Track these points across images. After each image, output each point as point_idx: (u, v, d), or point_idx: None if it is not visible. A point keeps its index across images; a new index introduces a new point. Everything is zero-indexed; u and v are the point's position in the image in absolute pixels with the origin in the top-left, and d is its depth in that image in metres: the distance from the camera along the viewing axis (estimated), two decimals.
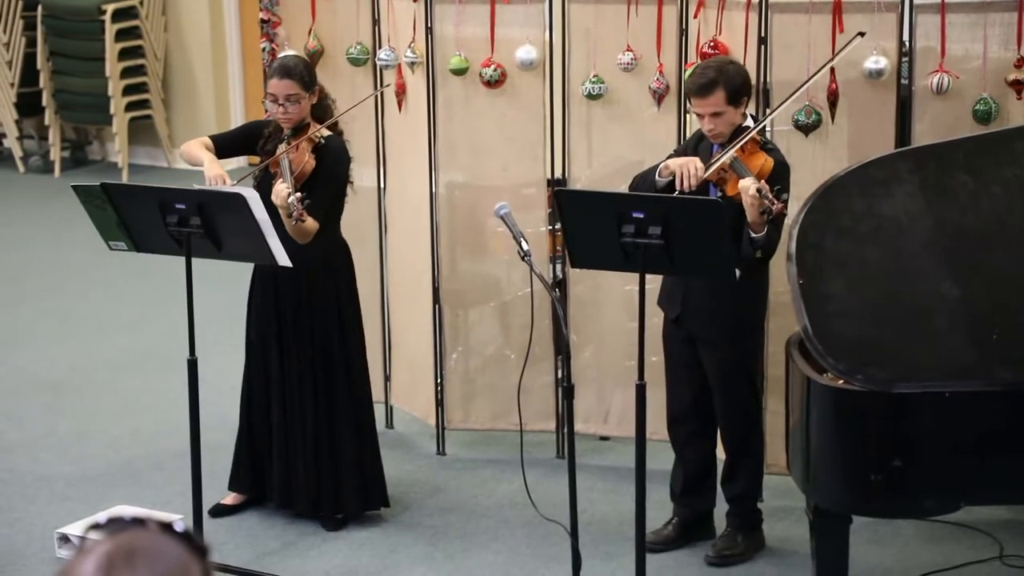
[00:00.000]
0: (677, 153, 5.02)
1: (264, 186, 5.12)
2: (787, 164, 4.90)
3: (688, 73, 5.14)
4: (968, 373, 4.29)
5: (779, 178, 4.76)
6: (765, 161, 4.77)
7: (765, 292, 5.12)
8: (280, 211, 4.96)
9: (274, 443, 5.35)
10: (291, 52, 5.59)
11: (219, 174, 5.07)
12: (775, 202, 4.57)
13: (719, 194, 4.79)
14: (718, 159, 4.77)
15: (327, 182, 5.13)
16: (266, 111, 5.33)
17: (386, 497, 5.46)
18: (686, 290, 5.00)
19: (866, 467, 4.30)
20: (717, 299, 4.95)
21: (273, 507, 5.45)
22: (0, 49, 10.38)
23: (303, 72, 5.15)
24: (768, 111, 5.13)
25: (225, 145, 5.31)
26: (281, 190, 4.96)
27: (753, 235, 4.65)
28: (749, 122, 4.89)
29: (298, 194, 4.95)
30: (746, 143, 4.79)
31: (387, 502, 5.46)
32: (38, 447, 6.11)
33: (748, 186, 4.61)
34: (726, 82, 4.78)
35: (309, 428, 5.29)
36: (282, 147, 5.09)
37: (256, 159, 5.36)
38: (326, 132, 5.18)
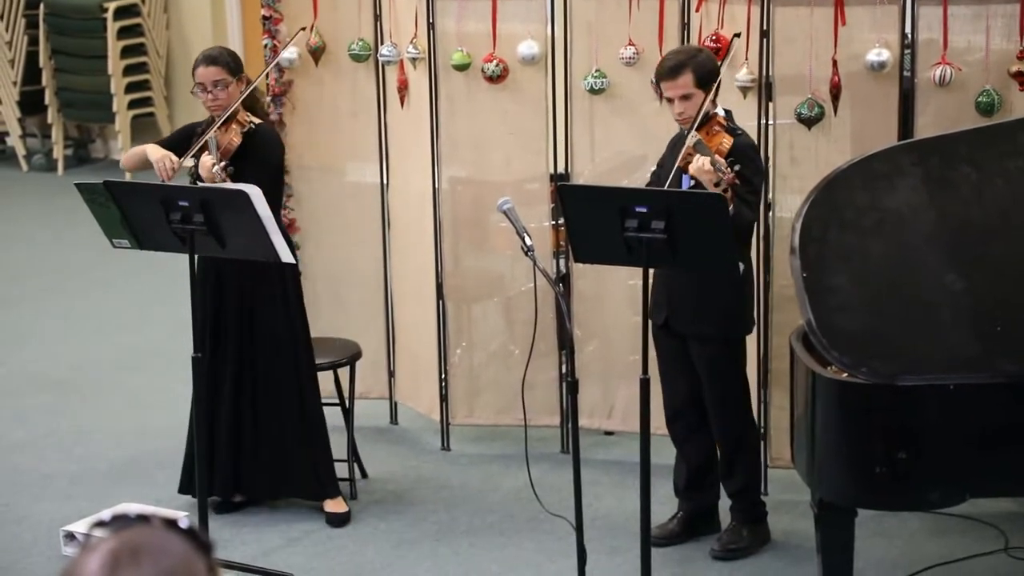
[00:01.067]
0: (658, 164, 5.03)
1: (201, 179, 5.15)
2: (753, 145, 4.95)
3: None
4: (972, 365, 4.29)
5: (741, 157, 4.75)
6: (724, 139, 4.80)
7: (751, 286, 5.11)
8: (206, 183, 5.04)
9: (218, 440, 5.35)
10: (294, 48, 5.63)
11: (164, 154, 5.16)
12: (727, 172, 4.57)
13: (692, 183, 4.80)
14: (685, 147, 4.79)
15: (257, 165, 5.18)
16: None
17: (328, 490, 5.44)
18: (670, 293, 5.00)
19: (871, 460, 4.29)
20: (702, 296, 4.95)
21: (285, 504, 5.47)
22: (3, 47, 10.38)
23: (228, 59, 5.27)
24: (773, 111, 5.13)
25: (166, 148, 5.33)
26: (205, 160, 5.08)
27: None
28: (720, 111, 4.91)
29: (222, 163, 5.04)
30: (711, 126, 4.82)
31: (334, 492, 5.45)
32: (42, 445, 6.12)
33: (701, 164, 4.63)
34: (695, 66, 4.82)
35: (245, 416, 5.32)
36: (210, 131, 5.16)
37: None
38: (256, 120, 5.27)
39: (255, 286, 5.26)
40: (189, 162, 5.23)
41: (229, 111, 5.16)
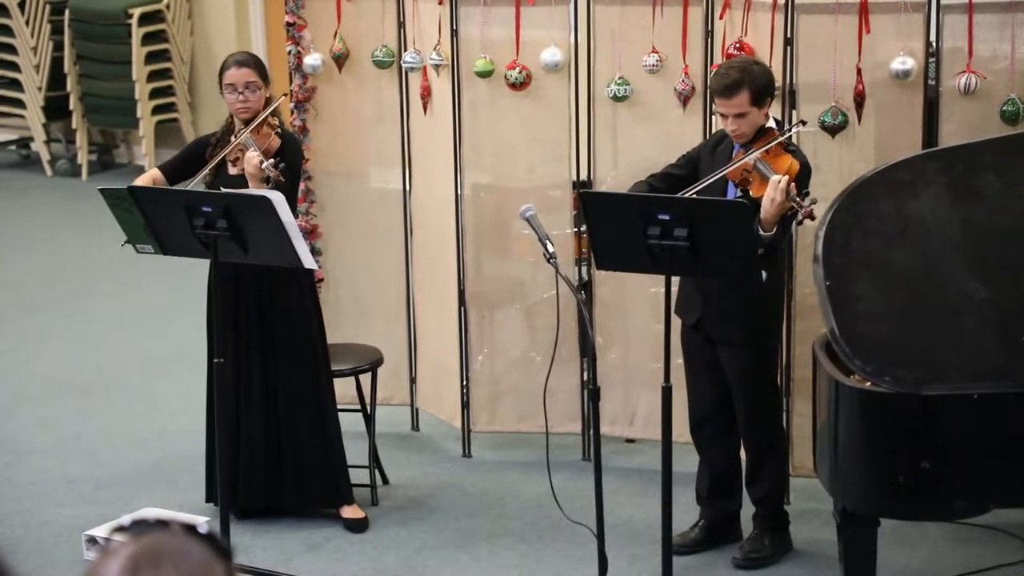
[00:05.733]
0: (691, 155, 5.01)
1: (219, 186, 5.16)
2: (809, 166, 4.89)
3: (712, 73, 5.14)
4: (997, 374, 4.27)
5: (805, 180, 4.75)
6: (792, 163, 4.74)
7: (784, 292, 5.11)
8: (251, 180, 5.04)
9: (238, 448, 5.34)
10: (317, 55, 5.65)
11: None
12: (802, 205, 4.56)
13: (738, 194, 4.78)
14: (742, 159, 4.76)
15: (288, 169, 5.16)
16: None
17: (344, 496, 5.44)
18: (704, 295, 4.99)
19: (894, 469, 4.28)
20: (736, 301, 4.94)
21: (295, 509, 5.47)
22: (28, 53, 10.42)
23: (258, 62, 5.31)
24: (794, 121, 5.11)
25: (175, 170, 5.35)
26: (252, 157, 5.07)
27: (762, 232, 4.62)
28: (771, 123, 4.88)
29: (271, 160, 5.02)
30: (769, 142, 4.78)
31: (348, 499, 5.46)
32: (67, 449, 6.13)
33: (778, 179, 4.58)
34: (751, 83, 4.77)
35: (271, 425, 5.33)
36: (244, 132, 5.15)
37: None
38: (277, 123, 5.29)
39: (273, 293, 5.26)
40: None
41: (264, 114, 5.16)
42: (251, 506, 5.44)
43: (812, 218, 4.63)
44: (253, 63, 5.27)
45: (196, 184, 5.28)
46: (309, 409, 5.35)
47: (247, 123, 5.22)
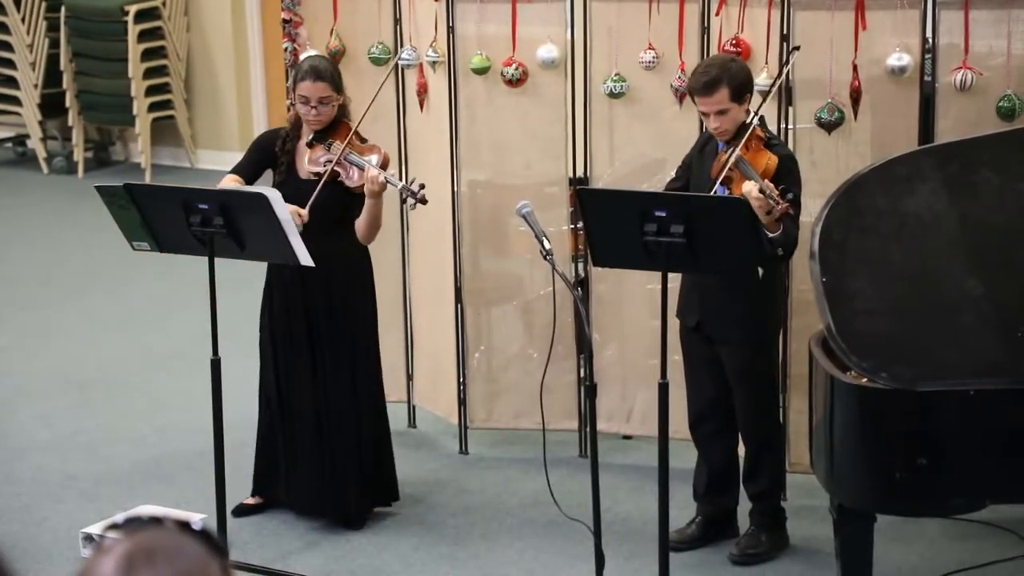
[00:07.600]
0: (685, 162, 5.02)
1: (291, 186, 5.13)
2: (793, 157, 4.90)
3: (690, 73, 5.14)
4: (994, 371, 4.27)
5: (786, 174, 4.74)
6: (769, 159, 4.76)
7: (782, 290, 5.12)
8: (370, 196, 5.04)
9: (295, 443, 5.35)
10: (314, 52, 5.65)
11: (293, 210, 4.94)
12: (779, 202, 4.54)
13: (727, 194, 4.78)
14: (724, 163, 4.75)
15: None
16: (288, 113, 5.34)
17: (396, 491, 5.48)
18: (703, 296, 4.99)
19: (891, 465, 4.28)
20: (734, 300, 4.94)
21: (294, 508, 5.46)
22: (24, 50, 10.41)
23: (334, 74, 5.22)
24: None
25: (247, 172, 5.28)
26: (377, 176, 5.02)
27: (770, 235, 4.62)
28: (755, 119, 4.88)
29: (391, 172, 5.04)
30: (750, 140, 4.78)
31: (396, 495, 5.50)
32: (66, 446, 6.13)
33: (750, 190, 4.58)
34: (729, 79, 4.78)
35: (345, 427, 5.30)
36: (337, 145, 5.12)
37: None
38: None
39: (340, 291, 5.23)
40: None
41: (353, 131, 5.14)
42: (349, 519, 5.38)
43: (788, 214, 4.61)
44: (329, 77, 5.15)
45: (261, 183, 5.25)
46: (372, 411, 5.36)
47: (322, 132, 5.15)
